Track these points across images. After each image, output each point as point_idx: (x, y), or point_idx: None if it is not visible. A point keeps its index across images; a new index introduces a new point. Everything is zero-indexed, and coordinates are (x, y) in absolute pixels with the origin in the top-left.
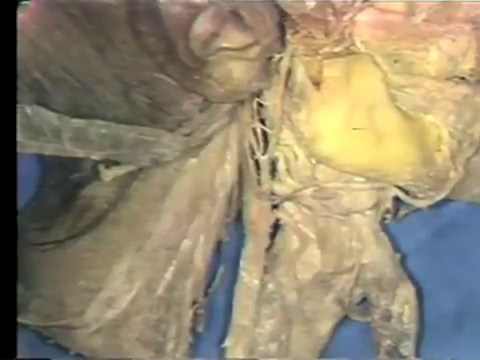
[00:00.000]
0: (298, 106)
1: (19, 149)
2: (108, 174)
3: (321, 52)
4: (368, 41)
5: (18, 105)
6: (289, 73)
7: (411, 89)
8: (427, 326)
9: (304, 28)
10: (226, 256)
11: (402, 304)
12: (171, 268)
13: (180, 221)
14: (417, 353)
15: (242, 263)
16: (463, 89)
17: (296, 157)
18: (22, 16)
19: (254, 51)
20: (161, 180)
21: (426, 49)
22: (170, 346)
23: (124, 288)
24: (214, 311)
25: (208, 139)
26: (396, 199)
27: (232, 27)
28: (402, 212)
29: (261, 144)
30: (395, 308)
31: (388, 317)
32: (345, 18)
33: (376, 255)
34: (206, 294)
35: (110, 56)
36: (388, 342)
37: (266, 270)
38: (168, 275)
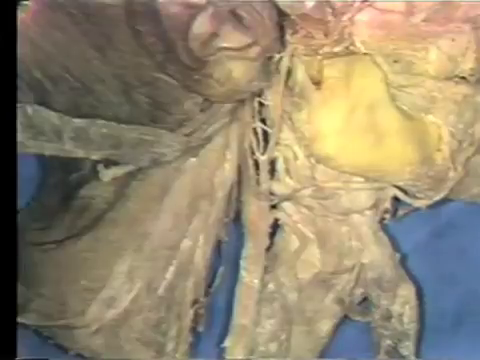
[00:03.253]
0: (299, 106)
1: (19, 149)
2: (107, 174)
3: (321, 52)
4: (367, 41)
5: (18, 104)
6: (289, 73)
7: (411, 89)
8: (427, 326)
9: (303, 28)
10: (226, 256)
11: (402, 304)
12: (171, 268)
13: (179, 221)
14: (417, 353)
15: (242, 263)
16: (463, 89)
17: (296, 157)
18: (22, 16)
19: (254, 51)
20: (160, 180)
21: (426, 49)
22: (170, 346)
23: (125, 288)
24: (214, 311)
25: (209, 139)
26: (395, 199)
27: (231, 27)
28: (401, 212)
29: (261, 144)
30: (395, 308)
31: (388, 317)
32: (344, 18)
33: (376, 255)
34: (207, 294)
35: (110, 56)
36: (388, 342)
37: (266, 270)
38: (168, 275)
